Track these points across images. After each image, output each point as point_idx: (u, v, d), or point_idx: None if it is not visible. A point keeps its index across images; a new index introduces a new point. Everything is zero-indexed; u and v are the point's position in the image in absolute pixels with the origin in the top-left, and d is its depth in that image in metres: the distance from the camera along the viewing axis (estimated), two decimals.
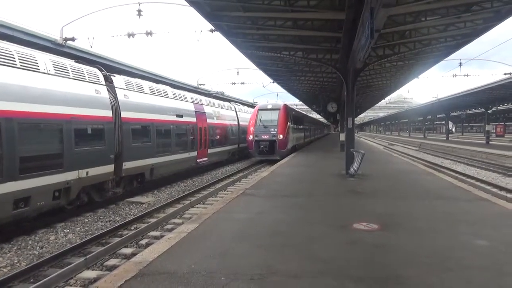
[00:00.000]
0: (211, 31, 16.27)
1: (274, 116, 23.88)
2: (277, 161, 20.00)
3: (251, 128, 23.76)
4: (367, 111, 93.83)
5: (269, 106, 25.26)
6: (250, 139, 23.66)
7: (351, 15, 10.82)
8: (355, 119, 15.98)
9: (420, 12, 11.85)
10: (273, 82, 30.37)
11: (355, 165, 12.65)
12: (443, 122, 75.38)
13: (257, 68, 22.57)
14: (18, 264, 6.99)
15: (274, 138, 23.05)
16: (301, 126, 31.88)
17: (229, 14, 12.49)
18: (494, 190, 13.83)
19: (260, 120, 23.86)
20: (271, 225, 6.53)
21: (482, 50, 31.41)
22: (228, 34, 14.28)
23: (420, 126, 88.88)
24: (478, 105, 49.96)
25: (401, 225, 6.46)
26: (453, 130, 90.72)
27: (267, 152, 23.10)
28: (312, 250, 5.20)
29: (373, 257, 4.91)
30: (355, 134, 15.86)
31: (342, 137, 21.17)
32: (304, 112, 41.30)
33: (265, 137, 23.14)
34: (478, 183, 15.62)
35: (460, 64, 26.55)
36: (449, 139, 52.04)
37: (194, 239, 5.73)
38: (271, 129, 23.27)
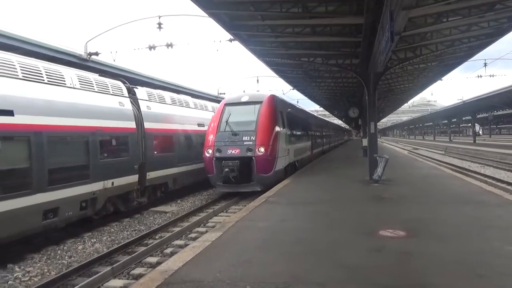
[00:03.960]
0: (230, 40, 16.47)
1: (251, 114, 13.93)
2: (260, 193, 11.68)
3: (210, 137, 13.79)
4: (389, 115, 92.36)
5: (244, 98, 14.93)
6: (207, 155, 13.58)
7: (370, 19, 10.75)
8: (378, 123, 15.71)
9: (441, 13, 11.65)
10: (292, 88, 30.24)
11: (379, 171, 12.43)
12: (469, 124, 73.35)
13: (277, 76, 22.64)
14: (48, 273, 7.18)
15: (249, 154, 13.08)
16: (305, 132, 21.48)
17: (248, 23, 12.61)
18: None
19: (227, 122, 13.87)
20: (294, 233, 6.49)
21: (508, 49, 30.49)
22: (247, 42, 14.41)
23: (445, 129, 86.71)
24: (505, 106, 48.40)
25: (429, 231, 6.29)
26: (480, 132, 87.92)
27: (236, 178, 12.95)
28: (337, 258, 5.13)
29: (400, 265, 4.79)
30: (377, 139, 15.57)
31: (365, 142, 20.90)
32: (310, 113, 29.32)
33: (234, 151, 13.20)
34: (509, 187, 15.07)
35: (485, 64, 25.92)
36: (476, 141, 50.57)
37: (219, 248, 5.75)
38: (245, 138, 13.30)
